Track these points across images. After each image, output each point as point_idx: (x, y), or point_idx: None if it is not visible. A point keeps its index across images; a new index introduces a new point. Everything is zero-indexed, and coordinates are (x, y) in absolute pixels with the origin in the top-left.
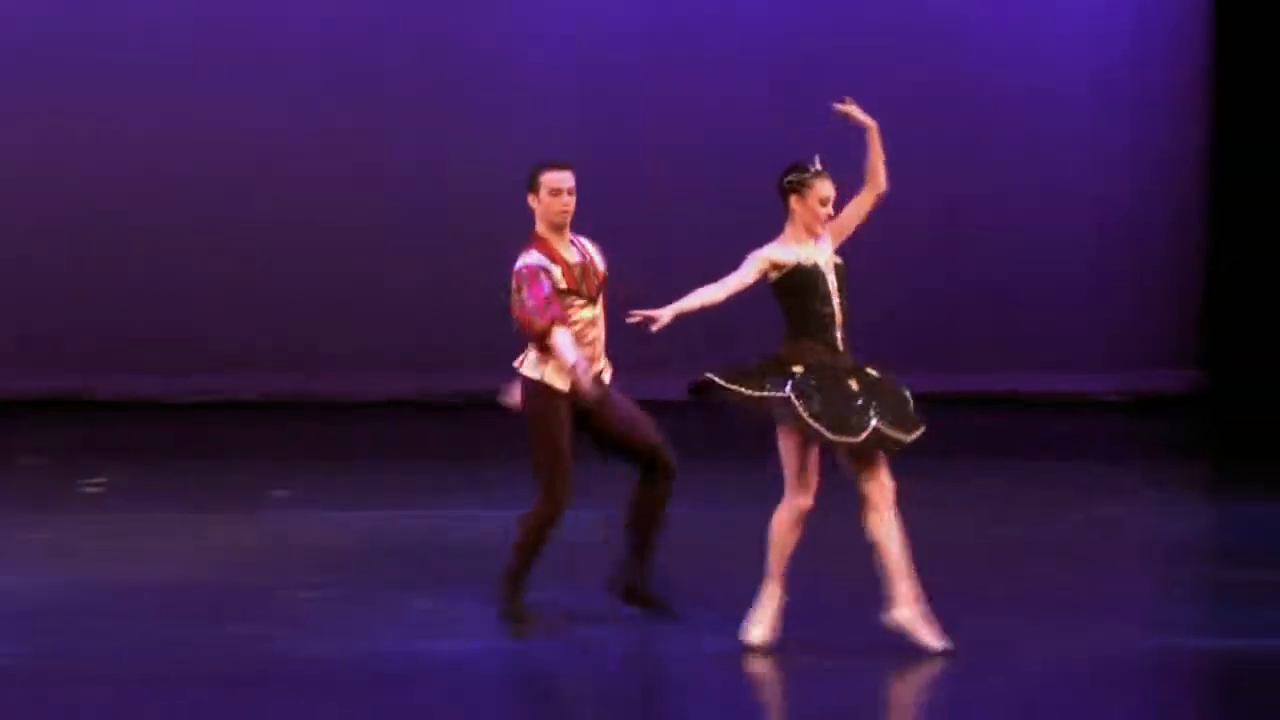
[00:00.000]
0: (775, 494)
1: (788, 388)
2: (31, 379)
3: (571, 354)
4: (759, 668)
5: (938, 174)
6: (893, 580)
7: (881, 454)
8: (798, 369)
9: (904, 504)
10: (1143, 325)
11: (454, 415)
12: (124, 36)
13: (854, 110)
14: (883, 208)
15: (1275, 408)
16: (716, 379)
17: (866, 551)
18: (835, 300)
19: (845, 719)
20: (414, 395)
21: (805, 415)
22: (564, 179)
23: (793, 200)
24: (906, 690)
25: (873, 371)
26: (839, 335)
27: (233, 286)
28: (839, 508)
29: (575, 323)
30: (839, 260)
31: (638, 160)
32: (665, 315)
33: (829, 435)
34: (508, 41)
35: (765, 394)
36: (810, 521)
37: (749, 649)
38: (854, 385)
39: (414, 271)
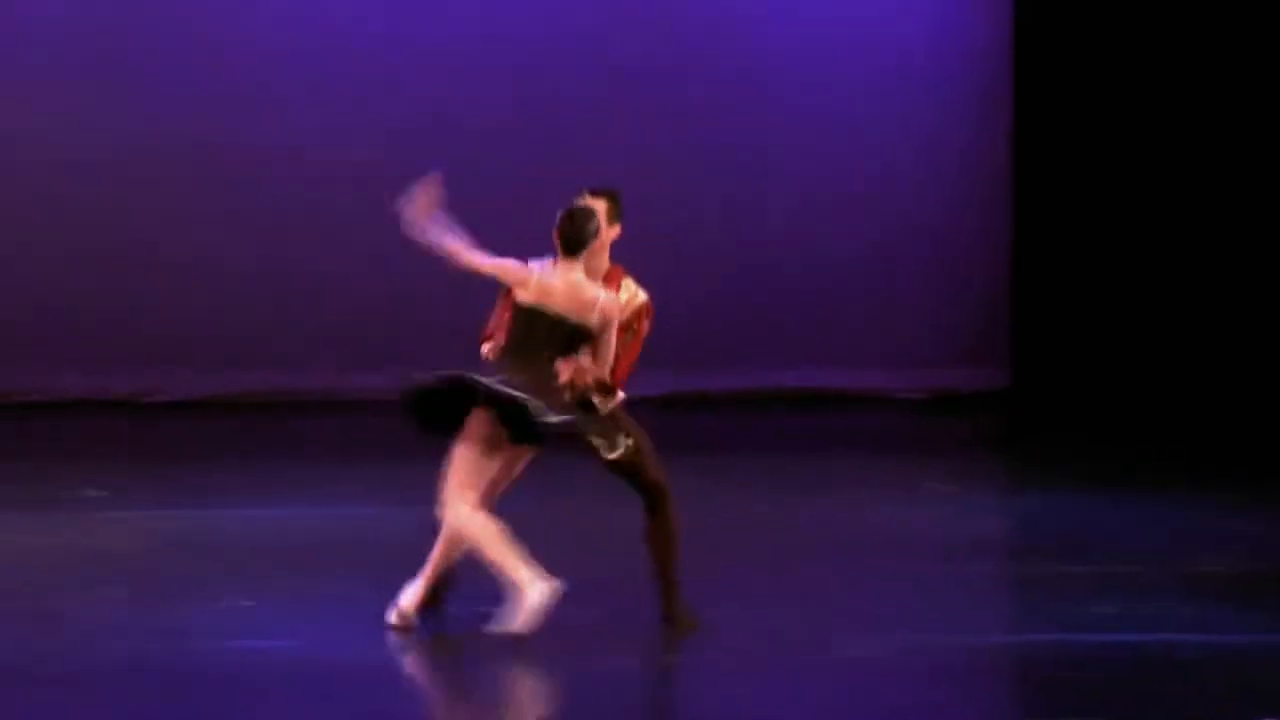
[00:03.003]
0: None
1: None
2: None
3: None
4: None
5: (733, 171)
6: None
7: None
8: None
9: (697, 507)
10: (945, 323)
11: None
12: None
13: None
14: (680, 205)
15: (1074, 404)
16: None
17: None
18: (546, 346)
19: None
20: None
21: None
22: None
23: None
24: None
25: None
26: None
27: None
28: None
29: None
30: (601, 323)
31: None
32: (432, 230)
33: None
34: None
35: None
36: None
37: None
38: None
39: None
